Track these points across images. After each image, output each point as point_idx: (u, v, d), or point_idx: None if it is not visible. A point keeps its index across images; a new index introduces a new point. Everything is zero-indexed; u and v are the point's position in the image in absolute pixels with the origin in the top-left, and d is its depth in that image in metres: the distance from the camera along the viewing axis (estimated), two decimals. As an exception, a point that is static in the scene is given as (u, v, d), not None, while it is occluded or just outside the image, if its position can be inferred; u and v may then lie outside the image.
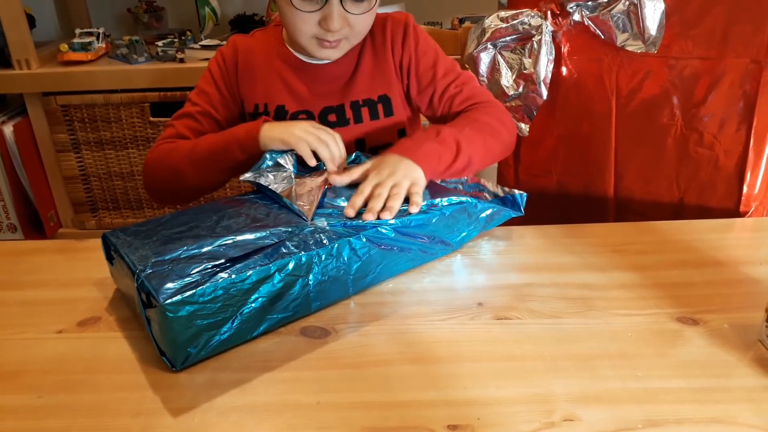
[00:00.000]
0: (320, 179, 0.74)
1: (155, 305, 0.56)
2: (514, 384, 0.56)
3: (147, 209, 1.74)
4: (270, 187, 0.73)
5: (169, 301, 0.55)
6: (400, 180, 0.72)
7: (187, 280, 0.57)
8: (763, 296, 0.64)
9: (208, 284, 0.57)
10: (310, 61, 0.90)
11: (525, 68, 1.11)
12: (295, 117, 0.90)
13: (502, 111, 0.90)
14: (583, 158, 1.15)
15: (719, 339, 0.61)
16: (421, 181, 0.74)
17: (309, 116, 0.90)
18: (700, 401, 0.54)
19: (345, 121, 0.90)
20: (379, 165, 0.75)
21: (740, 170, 1.05)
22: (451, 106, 0.90)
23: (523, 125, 1.15)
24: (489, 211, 0.77)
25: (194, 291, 0.56)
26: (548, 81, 1.11)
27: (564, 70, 1.12)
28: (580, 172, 1.17)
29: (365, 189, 0.72)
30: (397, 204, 0.70)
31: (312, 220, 0.68)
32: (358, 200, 0.70)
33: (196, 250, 0.61)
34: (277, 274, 0.61)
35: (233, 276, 0.58)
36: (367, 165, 0.76)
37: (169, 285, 0.56)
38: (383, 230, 0.68)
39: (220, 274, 0.58)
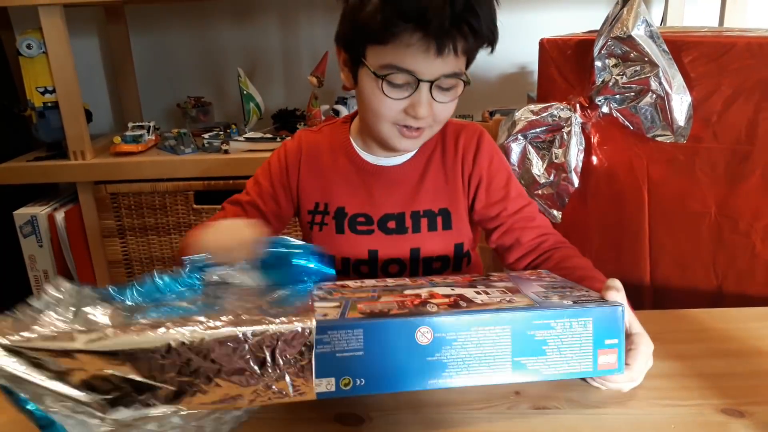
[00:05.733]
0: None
1: None
2: (554, 476, 0.55)
3: (185, 293, 1.78)
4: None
5: None
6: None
7: None
8: (812, 388, 0.62)
9: None
10: (376, 163, 0.89)
11: (556, 158, 1.14)
12: (353, 220, 0.89)
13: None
14: (617, 245, 1.16)
15: (768, 433, 0.59)
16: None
17: (368, 220, 0.89)
18: (752, 499, 0.51)
19: (404, 229, 0.88)
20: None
21: (779, 258, 1.04)
22: (524, 228, 0.87)
23: (555, 212, 1.17)
24: None
25: None
26: (579, 170, 1.13)
27: (594, 159, 1.14)
28: (615, 259, 1.16)
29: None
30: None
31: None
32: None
33: None
34: None
35: None
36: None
37: None
38: None
39: None
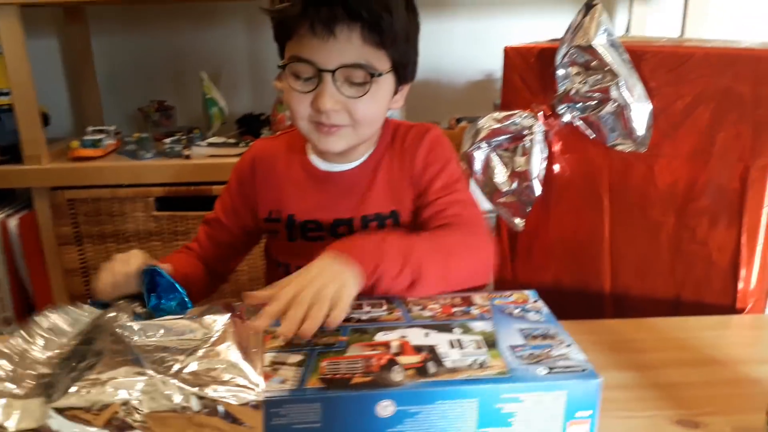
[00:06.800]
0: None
1: None
2: (508, 492, 0.54)
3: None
4: None
5: None
6: (327, 282, 0.62)
7: None
8: (764, 397, 0.62)
9: None
10: (328, 169, 0.89)
11: (518, 166, 1.14)
12: (304, 227, 0.88)
13: (477, 235, 0.83)
14: (578, 253, 1.16)
15: (721, 444, 0.59)
16: (352, 287, 0.65)
17: (318, 227, 0.88)
18: None
19: (354, 233, 0.87)
20: (307, 266, 0.66)
21: (734, 266, 1.05)
22: (430, 221, 0.84)
23: (517, 220, 1.17)
24: None
25: None
26: (541, 178, 1.14)
27: (556, 167, 1.15)
28: (576, 267, 1.17)
29: (286, 294, 0.61)
30: (318, 314, 0.60)
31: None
32: (274, 308, 0.60)
33: None
34: None
35: None
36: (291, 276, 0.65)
37: None
38: None
39: None
